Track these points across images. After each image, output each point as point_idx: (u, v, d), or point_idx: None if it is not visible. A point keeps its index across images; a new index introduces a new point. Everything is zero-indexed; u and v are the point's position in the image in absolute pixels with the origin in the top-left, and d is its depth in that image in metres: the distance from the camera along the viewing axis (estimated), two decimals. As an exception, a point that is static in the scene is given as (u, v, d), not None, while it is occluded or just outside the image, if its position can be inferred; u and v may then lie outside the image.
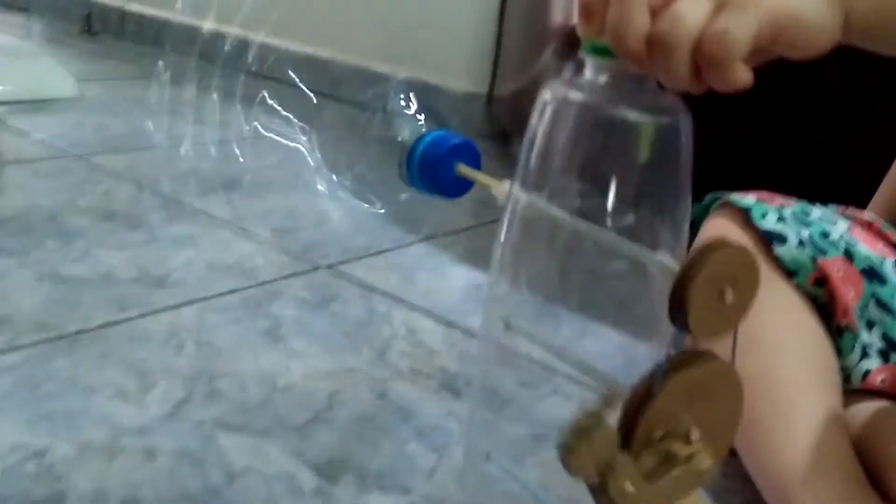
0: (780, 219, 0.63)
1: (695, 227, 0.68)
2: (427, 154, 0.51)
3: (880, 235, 0.67)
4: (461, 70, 1.62)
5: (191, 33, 1.93)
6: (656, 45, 0.36)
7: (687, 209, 0.47)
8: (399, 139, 0.55)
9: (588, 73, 0.42)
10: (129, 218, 0.98)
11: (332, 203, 1.12)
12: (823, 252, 0.62)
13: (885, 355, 0.62)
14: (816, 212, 0.66)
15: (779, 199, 0.66)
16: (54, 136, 1.27)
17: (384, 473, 0.57)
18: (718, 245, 0.36)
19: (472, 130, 1.63)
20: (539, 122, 0.43)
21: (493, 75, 1.57)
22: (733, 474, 0.60)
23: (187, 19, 1.99)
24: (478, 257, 0.98)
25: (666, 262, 0.41)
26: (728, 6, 0.36)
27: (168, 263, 0.86)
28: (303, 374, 0.68)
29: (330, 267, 0.91)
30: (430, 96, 1.66)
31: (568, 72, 0.45)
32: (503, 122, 1.50)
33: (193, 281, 0.83)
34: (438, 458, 0.59)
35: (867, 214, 0.68)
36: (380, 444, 0.60)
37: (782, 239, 0.62)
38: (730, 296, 0.35)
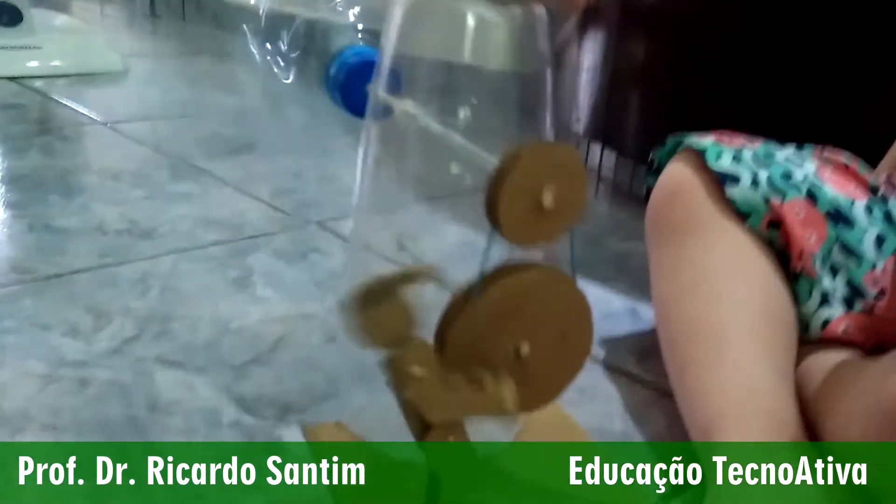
0: (736, 159, 0.60)
1: (659, 172, 0.66)
2: (343, 64, 0.50)
3: (855, 177, 0.62)
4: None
5: (240, 10, 1.98)
6: None
7: (544, 116, 0.45)
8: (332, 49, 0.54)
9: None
10: (136, 177, 1.01)
11: (343, 165, 1.13)
12: (782, 194, 0.58)
13: (849, 303, 0.58)
14: (782, 153, 0.62)
15: (740, 140, 0.63)
16: (90, 106, 1.32)
17: (308, 410, 0.57)
18: (536, 145, 0.34)
19: (506, 105, 1.60)
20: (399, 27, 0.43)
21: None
22: (674, 422, 0.57)
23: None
24: (470, 220, 0.97)
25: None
26: None
27: (160, 217, 0.88)
28: (258, 318, 0.69)
29: (320, 223, 0.91)
30: (463, 75, 1.64)
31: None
32: (528, 95, 1.47)
33: (179, 233, 0.85)
34: (371, 398, 0.59)
35: (845, 156, 0.64)
36: (314, 384, 0.60)
37: (735, 179, 0.59)
38: (549, 200, 0.33)
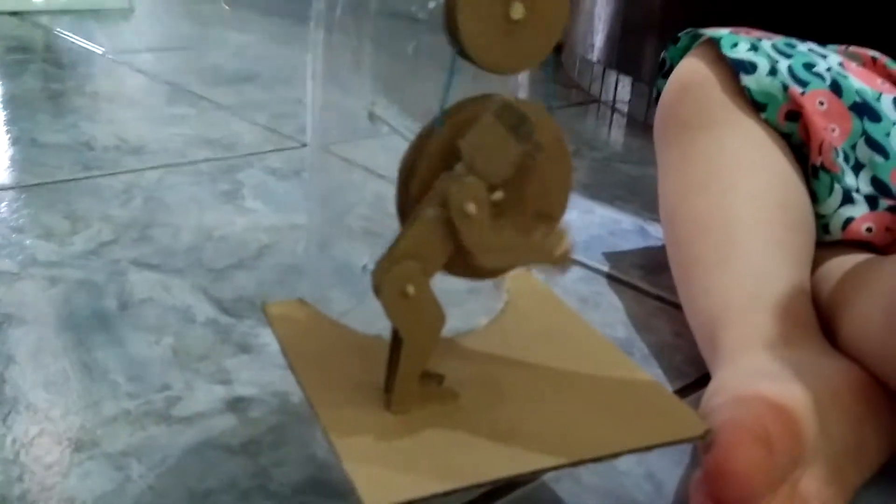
0: (754, 48, 0.55)
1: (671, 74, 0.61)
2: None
3: (883, 71, 0.57)
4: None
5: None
6: None
7: None
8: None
9: None
10: (130, 101, 0.98)
11: (348, 94, 1.08)
12: (804, 84, 0.54)
13: (873, 202, 0.53)
14: (805, 45, 0.58)
15: (759, 32, 0.58)
16: (91, 38, 1.29)
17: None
18: None
19: None
20: None
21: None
22: (680, 331, 0.53)
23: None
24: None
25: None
26: None
27: (151, 136, 0.85)
28: (244, 227, 0.65)
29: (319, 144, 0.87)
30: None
31: None
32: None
33: (170, 151, 0.81)
34: (356, 303, 0.55)
35: (871, 52, 0.59)
36: (297, 288, 0.57)
37: (752, 68, 0.54)
38: (519, 10, 0.29)
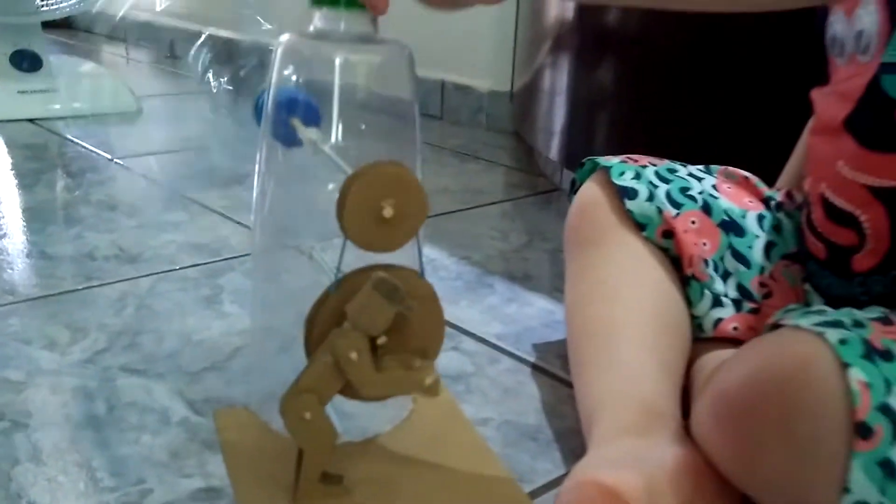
0: (637, 175, 0.66)
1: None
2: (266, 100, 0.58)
3: (753, 190, 0.68)
4: (485, 69, 1.68)
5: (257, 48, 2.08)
6: None
7: (413, 134, 0.52)
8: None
9: (319, 22, 0.49)
10: (132, 208, 1.09)
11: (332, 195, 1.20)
12: (678, 206, 0.64)
13: (738, 305, 0.63)
14: (686, 170, 0.68)
15: (646, 160, 0.69)
16: (99, 144, 1.42)
17: (249, 408, 0.63)
18: (375, 165, 0.40)
19: (500, 129, 1.67)
20: (281, 70, 0.50)
21: (513, 72, 1.61)
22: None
23: (248, 37, 2.15)
24: (451, 240, 1.04)
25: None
26: None
27: (147, 244, 0.96)
28: (220, 331, 0.76)
29: (297, 246, 0.98)
30: (458, 95, 1.72)
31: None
32: (515, 117, 1.54)
33: (162, 258, 0.93)
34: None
35: (745, 172, 0.69)
36: (260, 387, 0.67)
37: (634, 194, 0.65)
38: (389, 211, 0.40)
